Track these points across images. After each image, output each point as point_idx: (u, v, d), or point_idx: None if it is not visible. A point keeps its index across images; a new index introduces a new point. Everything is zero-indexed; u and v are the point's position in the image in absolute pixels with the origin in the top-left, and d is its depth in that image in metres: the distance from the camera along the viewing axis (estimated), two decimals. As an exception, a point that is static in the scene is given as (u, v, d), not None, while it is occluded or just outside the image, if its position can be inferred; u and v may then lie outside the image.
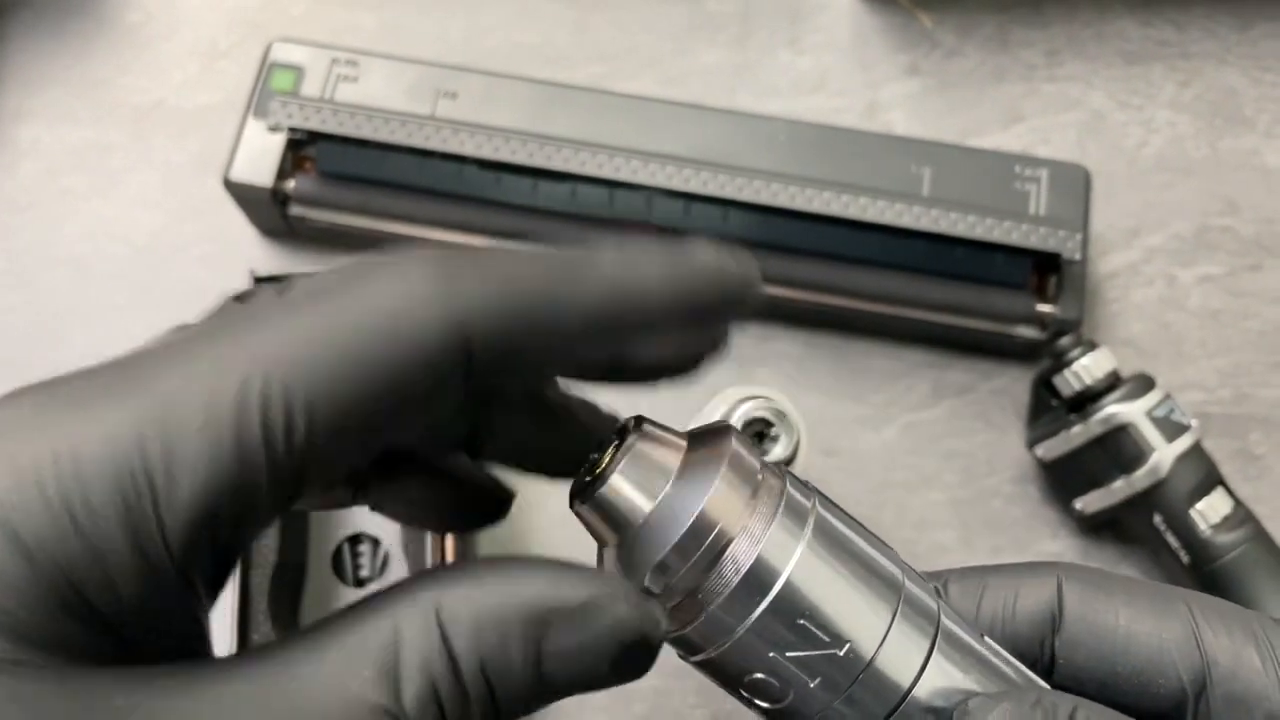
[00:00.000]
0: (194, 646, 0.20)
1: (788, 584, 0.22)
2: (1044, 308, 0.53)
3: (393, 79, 0.54)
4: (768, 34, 0.63)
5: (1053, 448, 0.51)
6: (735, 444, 0.23)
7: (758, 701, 0.24)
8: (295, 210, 0.54)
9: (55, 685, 0.18)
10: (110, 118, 0.61)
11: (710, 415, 0.48)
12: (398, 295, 0.20)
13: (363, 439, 0.20)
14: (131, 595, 0.19)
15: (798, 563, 0.22)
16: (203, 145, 0.59)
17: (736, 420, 0.47)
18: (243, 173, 0.53)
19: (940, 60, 0.62)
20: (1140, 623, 0.25)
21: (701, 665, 0.24)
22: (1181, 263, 0.59)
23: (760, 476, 0.23)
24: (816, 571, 0.23)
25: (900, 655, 0.23)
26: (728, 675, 0.23)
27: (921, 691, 0.23)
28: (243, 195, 0.54)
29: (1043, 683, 0.25)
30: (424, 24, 0.63)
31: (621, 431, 0.24)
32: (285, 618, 0.47)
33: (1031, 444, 0.53)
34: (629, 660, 0.21)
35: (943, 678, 0.23)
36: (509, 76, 0.55)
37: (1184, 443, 0.49)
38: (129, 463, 0.18)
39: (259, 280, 0.51)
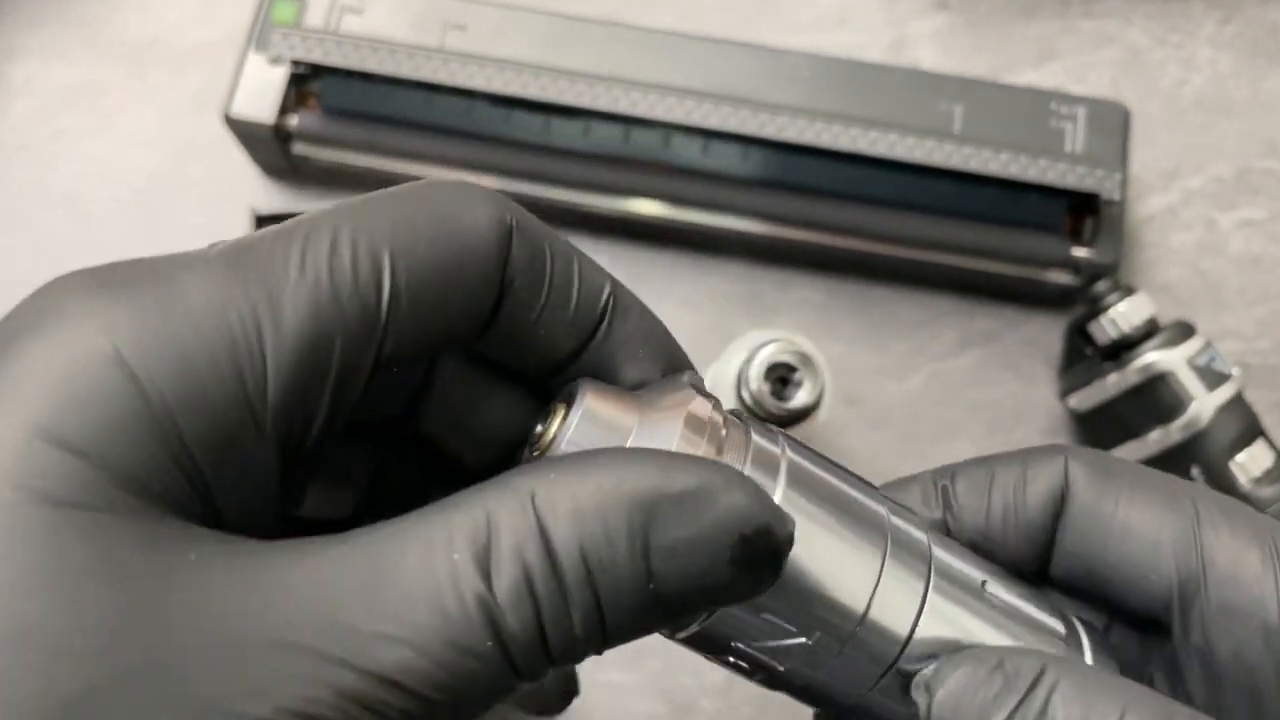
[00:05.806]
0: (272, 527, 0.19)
1: None
2: (1079, 251, 0.51)
3: (399, 10, 0.52)
4: (790, -33, 0.60)
5: (1087, 398, 0.49)
6: (693, 397, 0.21)
7: (750, 670, 0.22)
8: (299, 148, 0.52)
9: (135, 531, 0.17)
10: (105, 55, 0.58)
11: (729, 361, 0.46)
12: (458, 194, 0.20)
13: (427, 325, 0.20)
14: (228, 445, 0.18)
15: None
16: (202, 82, 0.57)
17: (757, 365, 0.45)
18: (244, 109, 0.51)
19: (970, -5, 0.60)
20: (1139, 511, 0.23)
21: (688, 641, 0.22)
22: (1221, 206, 0.56)
23: (724, 431, 0.21)
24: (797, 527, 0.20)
25: (892, 607, 0.21)
26: (717, 647, 0.22)
27: (919, 640, 0.22)
28: (244, 132, 0.52)
29: (1055, 614, 0.24)
30: (431, -43, 0.60)
31: (569, 396, 0.21)
32: None
33: (1064, 394, 0.51)
34: (751, 556, 0.18)
35: (941, 620, 0.22)
36: (520, 8, 0.52)
37: (1225, 392, 0.47)
38: (234, 301, 0.18)
39: (261, 220, 0.49)
